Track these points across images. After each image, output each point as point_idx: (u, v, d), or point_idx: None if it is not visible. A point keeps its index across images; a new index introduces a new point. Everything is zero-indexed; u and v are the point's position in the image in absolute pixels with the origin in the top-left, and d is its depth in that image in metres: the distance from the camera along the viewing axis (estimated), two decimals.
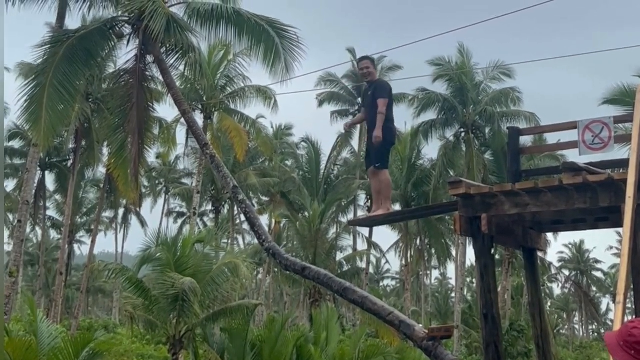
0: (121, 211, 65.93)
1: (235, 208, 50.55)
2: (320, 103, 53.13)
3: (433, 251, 56.25)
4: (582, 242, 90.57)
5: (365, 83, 12.57)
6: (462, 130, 42.04)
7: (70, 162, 44.43)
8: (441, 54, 42.42)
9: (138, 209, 65.41)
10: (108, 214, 65.34)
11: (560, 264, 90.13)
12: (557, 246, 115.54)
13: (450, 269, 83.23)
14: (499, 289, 40.06)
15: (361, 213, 51.94)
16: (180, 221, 66.80)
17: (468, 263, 53.89)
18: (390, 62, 52.62)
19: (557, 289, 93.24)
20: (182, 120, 30.36)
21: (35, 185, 37.06)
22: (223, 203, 54.32)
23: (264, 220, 53.15)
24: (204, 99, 38.00)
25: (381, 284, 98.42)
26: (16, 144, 47.68)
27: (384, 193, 11.67)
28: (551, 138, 29.06)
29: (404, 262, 54.46)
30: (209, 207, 58.33)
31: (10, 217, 53.88)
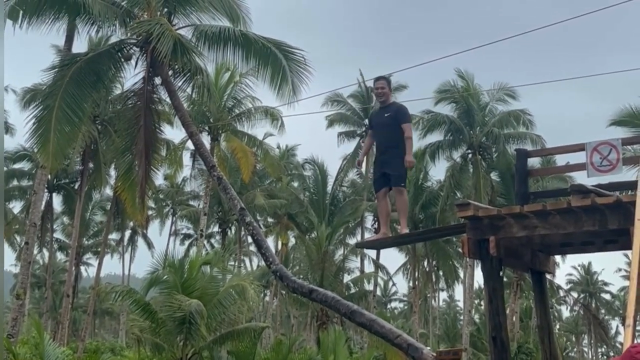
0: (128, 233, 66.01)
1: (242, 230, 50.55)
2: (331, 123, 53.19)
3: (441, 273, 56.08)
4: (590, 264, 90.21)
5: (378, 103, 12.46)
6: (469, 151, 42.02)
7: (77, 184, 44.52)
8: (447, 78, 42.43)
9: (145, 231, 65.46)
10: (115, 236, 65.37)
11: (569, 286, 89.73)
12: (566, 268, 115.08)
13: (458, 291, 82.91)
14: (507, 312, 39.80)
15: (368, 235, 51.86)
16: (187, 243, 66.77)
17: (476, 285, 53.67)
18: (396, 82, 52.71)
19: (565, 312, 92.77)
20: (189, 142, 30.44)
21: (43, 207, 37.08)
22: (230, 225, 54.35)
23: (270, 242, 53.09)
24: (211, 120, 38.09)
25: (389, 306, 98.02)
26: (24, 165, 47.86)
27: (404, 212, 11.78)
28: (559, 160, 29.00)
29: (411, 284, 54.31)
30: (216, 228, 58.37)
31: (18, 239, 53.98)
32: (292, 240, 55.94)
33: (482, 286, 11.82)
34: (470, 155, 42.06)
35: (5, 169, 45.58)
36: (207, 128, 38.26)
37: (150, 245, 66.85)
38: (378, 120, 12.14)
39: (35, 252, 43.90)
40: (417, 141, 44.76)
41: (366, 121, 53.87)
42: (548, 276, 13.32)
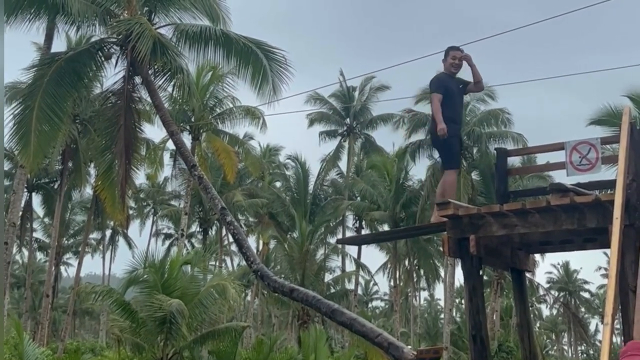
0: (108, 233, 65.68)
1: (223, 229, 50.46)
2: (311, 122, 53.30)
3: (422, 272, 56.19)
4: (568, 262, 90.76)
5: (447, 74, 11.76)
6: None
7: (57, 184, 44.25)
8: (427, 76, 42.42)
9: (125, 231, 65.17)
10: (95, 235, 65.05)
11: (549, 284, 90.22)
12: (545, 267, 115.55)
13: (439, 290, 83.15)
14: (488, 310, 39.97)
15: (349, 234, 51.94)
16: (167, 242, 66.57)
17: (457, 284, 53.85)
18: (378, 82, 52.90)
19: (545, 310, 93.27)
20: (170, 141, 30.33)
21: (22, 206, 36.85)
22: (211, 224, 54.22)
23: (252, 241, 53.06)
24: (192, 120, 38.00)
25: (370, 305, 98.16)
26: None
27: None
28: (539, 159, 29.09)
29: (392, 283, 54.43)
30: (197, 228, 58.23)
31: None
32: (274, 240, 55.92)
33: (463, 285, 11.83)
34: None
35: None
36: (188, 127, 38.17)
37: (131, 245, 66.59)
38: (455, 90, 11.68)
39: (14, 251, 43.63)
40: (401, 141, 45.00)
41: (347, 120, 54.08)
42: (528, 275, 13.40)
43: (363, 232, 51.77)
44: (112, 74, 19.77)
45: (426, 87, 41.14)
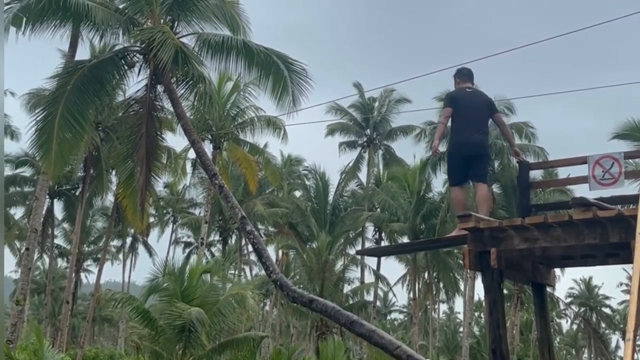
0: (129, 240, 65.91)
1: (243, 238, 50.52)
2: (331, 131, 53.27)
3: (441, 285, 55.98)
4: (590, 277, 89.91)
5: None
6: None
7: (78, 191, 44.49)
8: (447, 89, 42.38)
9: (145, 238, 65.36)
10: (115, 242, 65.29)
11: (569, 299, 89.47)
12: (566, 282, 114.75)
13: (459, 303, 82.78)
14: (507, 324, 39.71)
15: (369, 245, 51.79)
16: (187, 251, 66.68)
17: (476, 297, 53.61)
18: (398, 94, 52.91)
19: (565, 325, 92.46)
20: (191, 150, 30.40)
21: (44, 213, 37.06)
22: (230, 233, 54.29)
23: (271, 251, 53.00)
24: (214, 129, 38.08)
25: (388, 317, 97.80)
26: (25, 171, 47.78)
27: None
28: (561, 172, 28.94)
29: (411, 295, 54.23)
30: (217, 237, 58.31)
31: (18, 244, 53.90)
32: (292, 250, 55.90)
33: (483, 298, 11.76)
34: None
35: (6, 174, 45.53)
36: (209, 136, 38.24)
37: (151, 252, 66.80)
38: None
39: (35, 258, 43.90)
40: (422, 152, 44.94)
41: (367, 131, 54.20)
42: (548, 289, 13.29)
43: (382, 243, 51.63)
44: (135, 82, 19.87)
45: (439, 97, 41.45)
